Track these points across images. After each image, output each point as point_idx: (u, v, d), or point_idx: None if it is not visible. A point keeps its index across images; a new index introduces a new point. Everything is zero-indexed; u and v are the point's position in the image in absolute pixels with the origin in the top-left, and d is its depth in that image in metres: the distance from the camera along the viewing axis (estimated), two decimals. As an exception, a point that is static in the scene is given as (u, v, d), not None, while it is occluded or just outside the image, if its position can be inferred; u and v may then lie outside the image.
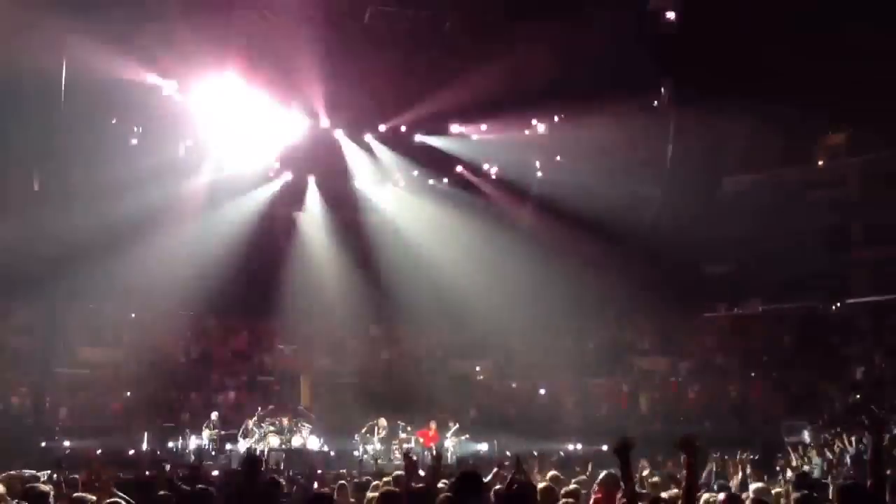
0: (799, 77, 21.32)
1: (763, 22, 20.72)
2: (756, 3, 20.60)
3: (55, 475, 9.96)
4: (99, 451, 18.70)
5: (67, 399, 24.10)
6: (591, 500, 8.09)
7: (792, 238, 26.01)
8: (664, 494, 8.10)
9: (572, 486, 8.08)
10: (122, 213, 22.88)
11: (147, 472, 13.09)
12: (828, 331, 26.72)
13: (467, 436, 23.82)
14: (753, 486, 8.43)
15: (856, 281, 27.78)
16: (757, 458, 15.11)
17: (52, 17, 18.34)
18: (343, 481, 10.33)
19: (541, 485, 7.95)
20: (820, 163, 29.11)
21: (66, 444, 21.46)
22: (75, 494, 6.54)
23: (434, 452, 22.27)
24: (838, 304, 27.43)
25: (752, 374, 26.22)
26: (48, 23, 18.43)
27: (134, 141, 23.99)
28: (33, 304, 24.38)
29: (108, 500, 5.45)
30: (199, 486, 6.90)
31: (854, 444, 17.51)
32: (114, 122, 23.32)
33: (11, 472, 8.60)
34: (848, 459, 16.95)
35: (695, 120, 23.86)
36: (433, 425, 23.25)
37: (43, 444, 21.29)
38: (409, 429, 23.19)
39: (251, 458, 8.76)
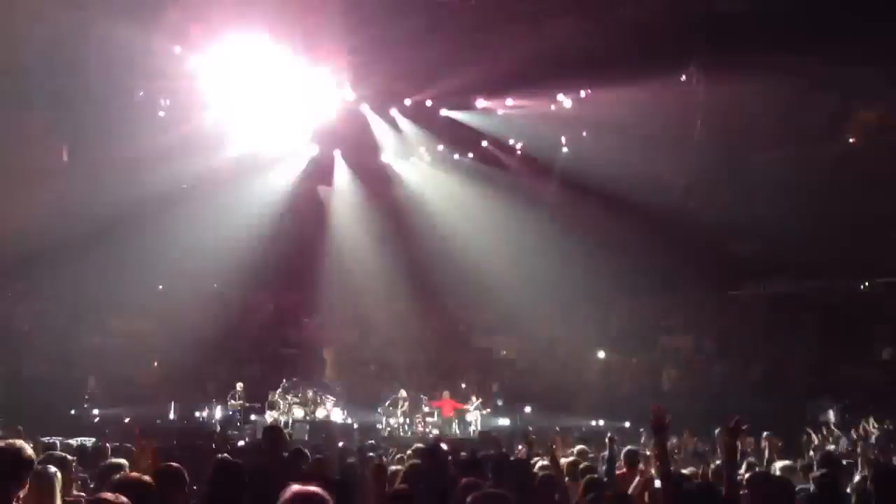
0: (830, 53, 20.92)
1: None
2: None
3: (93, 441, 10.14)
4: (127, 420, 19.04)
5: (96, 368, 24.49)
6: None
7: (820, 216, 25.65)
8: (685, 471, 8.13)
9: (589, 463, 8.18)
10: (150, 185, 23.06)
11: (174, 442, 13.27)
12: (855, 310, 26.45)
13: (488, 410, 23.99)
14: (780, 465, 8.41)
15: (885, 260, 27.40)
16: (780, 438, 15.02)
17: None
18: (371, 454, 10.45)
19: (565, 460, 8.03)
20: (851, 140, 28.61)
21: (95, 412, 21.86)
22: (111, 461, 6.64)
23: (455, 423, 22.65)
24: (866, 284, 27.12)
25: (778, 353, 26.03)
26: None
27: (161, 113, 24.09)
28: (63, 274, 24.67)
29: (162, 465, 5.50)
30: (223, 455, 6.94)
31: (879, 425, 17.40)
32: (141, 94, 23.40)
33: (43, 440, 8.81)
34: (873, 440, 16.84)
35: (723, 96, 23.53)
36: (447, 394, 23.48)
37: (72, 412, 21.71)
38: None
39: (273, 429, 8.67)
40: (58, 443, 8.94)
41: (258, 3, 20.04)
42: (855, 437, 17.35)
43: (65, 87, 21.18)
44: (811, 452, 13.23)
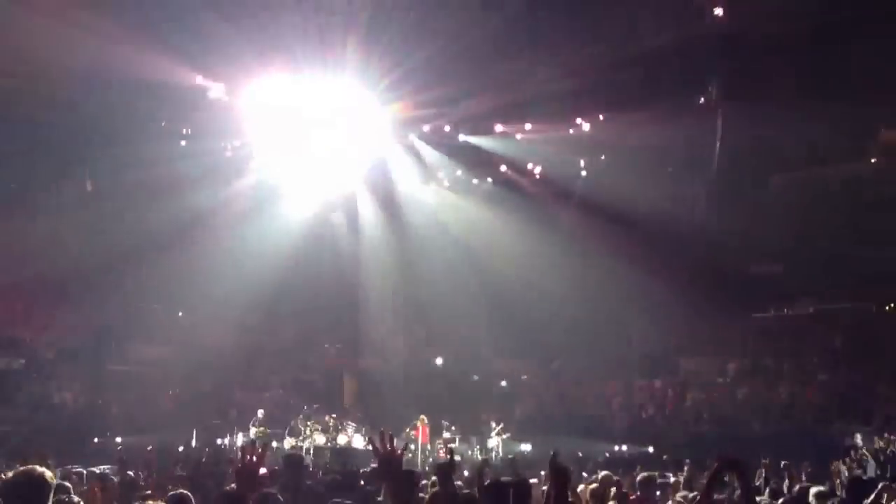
0: (850, 73, 20.85)
1: (811, 16, 20.30)
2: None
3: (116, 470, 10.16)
4: (149, 448, 19.03)
5: (119, 396, 24.59)
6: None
7: (843, 237, 25.43)
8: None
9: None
10: (172, 214, 23.28)
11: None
12: (880, 332, 26.12)
13: (508, 434, 23.80)
14: (814, 490, 8.26)
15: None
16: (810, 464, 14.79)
17: (103, 21, 18.71)
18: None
19: (591, 486, 7.97)
20: (873, 160, 28.41)
21: (118, 440, 21.90)
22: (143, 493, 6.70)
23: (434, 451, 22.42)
24: (891, 305, 26.83)
25: (802, 376, 25.72)
26: (99, 27, 18.79)
27: (183, 143, 24.36)
28: (86, 303, 24.89)
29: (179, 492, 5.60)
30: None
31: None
32: (163, 124, 23.70)
33: (69, 468, 8.84)
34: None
35: (742, 117, 23.47)
36: (423, 419, 23.20)
37: (96, 440, 21.77)
38: (453, 428, 23.26)
39: (295, 458, 8.31)
40: (84, 472, 8.98)
41: (279, 35, 20.30)
42: (883, 459, 17.06)
43: (89, 117, 21.49)
44: (840, 479, 13.00)
